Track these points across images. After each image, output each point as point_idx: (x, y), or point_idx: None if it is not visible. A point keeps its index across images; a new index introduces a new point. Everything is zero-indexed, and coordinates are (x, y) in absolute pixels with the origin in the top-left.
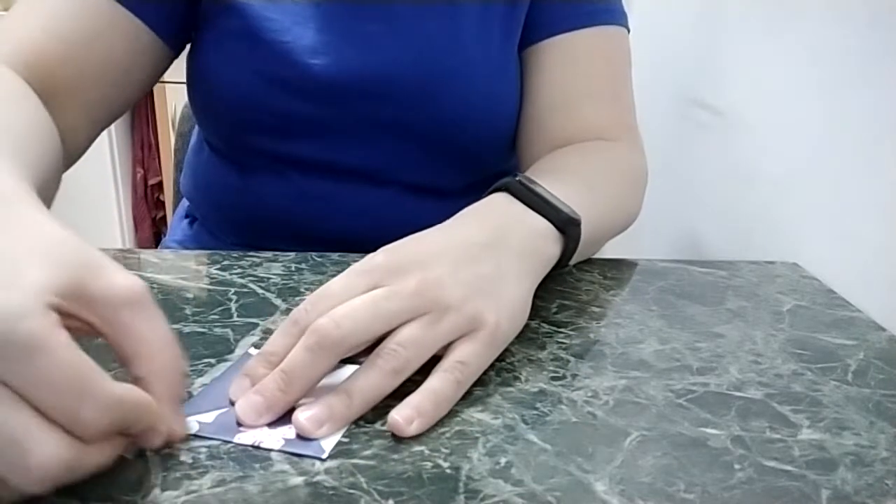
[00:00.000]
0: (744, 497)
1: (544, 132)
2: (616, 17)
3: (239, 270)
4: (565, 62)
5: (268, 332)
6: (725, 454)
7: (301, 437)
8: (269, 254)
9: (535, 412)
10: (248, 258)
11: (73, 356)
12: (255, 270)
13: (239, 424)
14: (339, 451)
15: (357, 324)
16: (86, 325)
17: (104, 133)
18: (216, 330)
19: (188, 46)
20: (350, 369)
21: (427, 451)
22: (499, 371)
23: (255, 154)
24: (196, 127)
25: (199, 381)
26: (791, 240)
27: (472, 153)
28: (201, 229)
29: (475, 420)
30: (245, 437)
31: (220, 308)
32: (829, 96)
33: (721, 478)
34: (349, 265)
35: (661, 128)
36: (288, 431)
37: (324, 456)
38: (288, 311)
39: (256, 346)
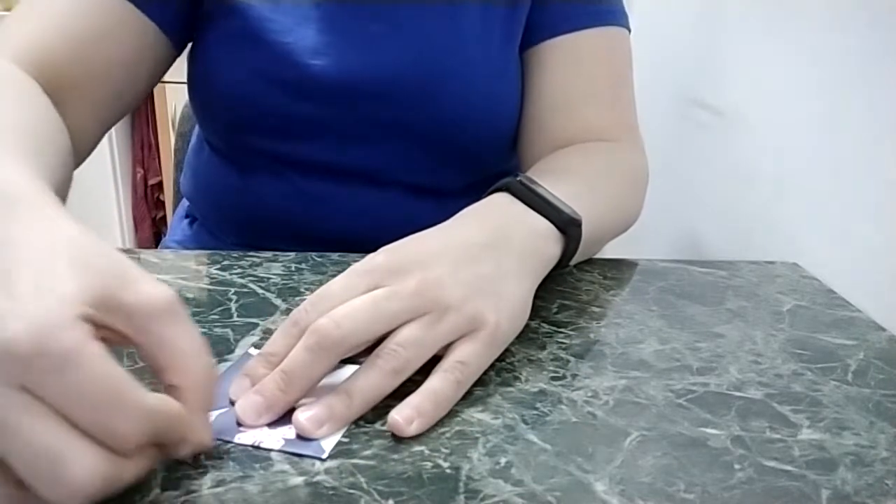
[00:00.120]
0: (744, 497)
1: (545, 132)
2: (617, 17)
3: (239, 270)
4: (567, 63)
5: (268, 332)
6: (725, 454)
7: (301, 437)
8: (269, 254)
9: (535, 412)
10: (248, 258)
11: (107, 368)
12: (255, 270)
13: (239, 424)
14: (339, 451)
15: (357, 324)
16: (117, 335)
17: None
18: (216, 330)
19: (188, 46)
20: (350, 369)
21: (427, 451)
22: (499, 371)
23: (255, 154)
24: (196, 127)
25: None
26: (791, 240)
27: (473, 153)
28: (201, 229)
29: (475, 420)
30: (245, 437)
31: (220, 308)
32: (829, 96)
33: (721, 478)
34: (349, 265)
35: (661, 128)
36: (288, 431)
37: (324, 456)
38: (288, 311)
39: (256, 346)
